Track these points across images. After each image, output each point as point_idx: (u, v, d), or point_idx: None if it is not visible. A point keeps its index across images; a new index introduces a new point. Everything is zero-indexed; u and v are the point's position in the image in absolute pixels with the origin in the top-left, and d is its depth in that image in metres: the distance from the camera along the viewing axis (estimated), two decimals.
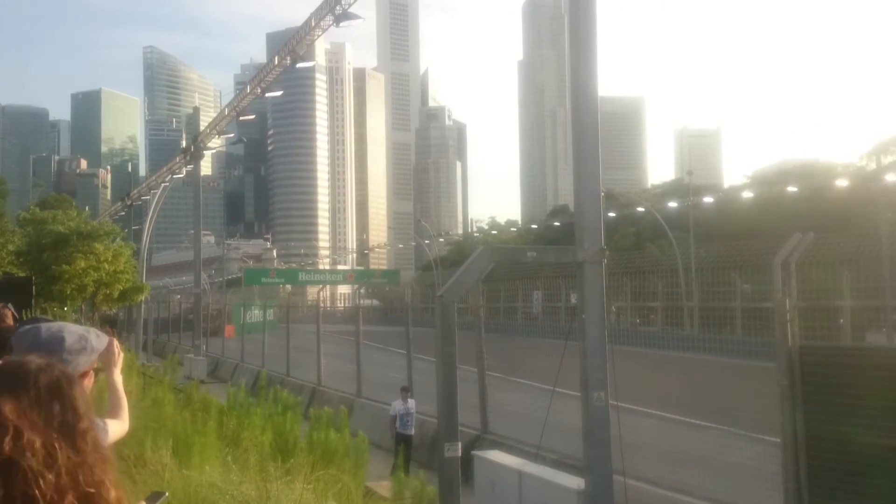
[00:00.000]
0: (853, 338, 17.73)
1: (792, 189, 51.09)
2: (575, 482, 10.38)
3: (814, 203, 47.85)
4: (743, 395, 13.60)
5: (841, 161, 71.96)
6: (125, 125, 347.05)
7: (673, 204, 56.99)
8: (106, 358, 2.77)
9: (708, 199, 57.65)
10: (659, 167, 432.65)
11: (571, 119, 10.53)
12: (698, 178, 78.33)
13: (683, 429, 14.29)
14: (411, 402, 15.63)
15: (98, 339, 2.46)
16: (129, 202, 56.14)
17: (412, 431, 15.55)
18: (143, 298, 40.97)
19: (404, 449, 15.02)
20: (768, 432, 9.80)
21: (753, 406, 11.60)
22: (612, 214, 58.53)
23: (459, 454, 9.84)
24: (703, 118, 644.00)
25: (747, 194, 57.58)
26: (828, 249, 10.45)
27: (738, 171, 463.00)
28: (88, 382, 2.43)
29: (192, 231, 44.68)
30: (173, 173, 46.42)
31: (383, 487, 10.94)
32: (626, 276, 20.59)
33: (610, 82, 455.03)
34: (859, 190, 44.62)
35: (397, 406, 15.67)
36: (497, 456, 12.73)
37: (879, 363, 8.72)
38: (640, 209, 63.20)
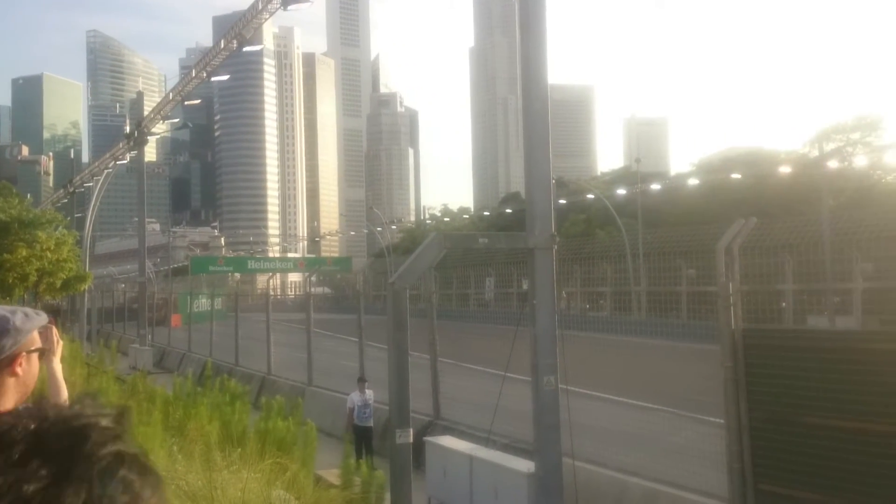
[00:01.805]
0: (795, 321, 18.21)
1: (736, 176, 52.07)
2: (525, 465, 10.47)
3: (758, 190, 48.86)
4: (688, 378, 13.84)
5: (784, 148, 73.72)
6: (68, 111, 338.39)
7: (621, 191, 57.64)
8: (44, 346, 2.67)
9: (655, 186, 58.41)
10: (608, 155, 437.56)
11: (522, 106, 10.56)
12: (646, 166, 79.53)
13: (631, 411, 14.50)
14: (369, 393, 15.12)
15: (26, 318, 2.27)
16: (71, 189, 54.86)
17: (371, 423, 15.05)
18: (86, 287, 40.13)
19: (365, 442, 14.64)
20: (713, 414, 10.00)
21: (698, 388, 11.83)
22: (562, 201, 59.02)
23: (411, 440, 9.84)
24: (650, 107, 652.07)
25: (693, 181, 58.50)
26: (770, 235, 10.68)
27: (685, 159, 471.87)
28: (24, 367, 2.28)
29: (137, 218, 43.79)
30: (117, 159, 45.48)
31: (334, 475, 10.88)
32: (577, 262, 20.81)
33: (560, 71, 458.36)
34: (802, 177, 45.65)
35: (355, 398, 15.20)
36: (449, 441, 12.79)
37: (820, 345, 8.94)
38: (590, 196, 63.79)
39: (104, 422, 0.79)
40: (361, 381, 15.51)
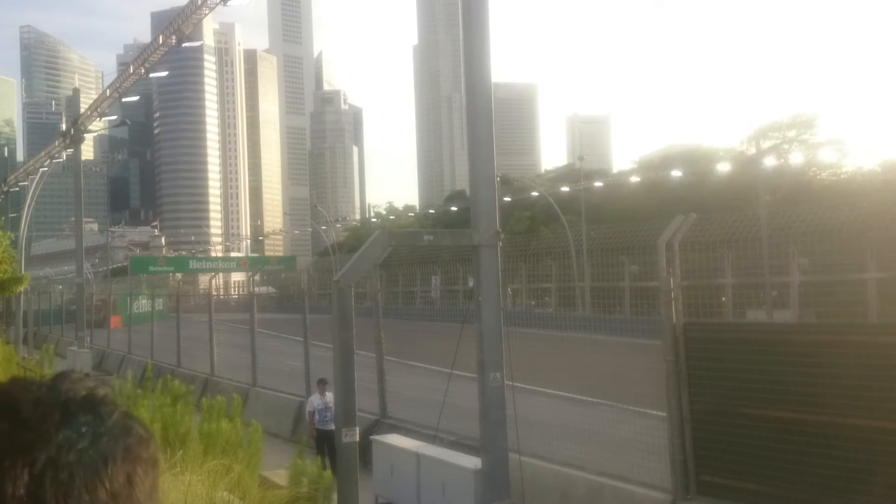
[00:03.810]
0: (734, 315, 18.63)
1: (676, 173, 53.11)
2: (472, 462, 10.50)
3: (697, 186, 49.89)
4: (632, 372, 14.05)
5: (723, 146, 75.23)
6: (1, 108, 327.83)
7: (565, 188, 58.28)
8: None
9: (598, 184, 59.33)
10: (551, 153, 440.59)
11: (466, 104, 10.57)
12: (589, 164, 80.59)
13: (575, 406, 14.65)
14: (329, 396, 14.13)
15: None
16: (6, 189, 53.43)
17: (333, 426, 13.72)
18: (22, 289, 38.99)
19: (328, 445, 13.94)
20: (656, 407, 10.15)
21: (642, 382, 12.00)
22: (507, 199, 59.46)
23: (357, 439, 9.78)
24: (593, 105, 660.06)
25: (635, 179, 59.48)
26: (710, 230, 10.86)
27: (627, 157, 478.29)
28: None
29: (74, 218, 42.62)
30: (52, 158, 44.31)
31: (279, 476, 10.76)
32: (521, 258, 20.86)
33: (504, 69, 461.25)
34: (739, 174, 46.74)
35: (315, 401, 14.70)
36: (395, 440, 12.76)
37: (759, 338, 9.16)
38: (534, 194, 64.34)
39: (102, 390, 0.87)
40: (322, 382, 14.79)
